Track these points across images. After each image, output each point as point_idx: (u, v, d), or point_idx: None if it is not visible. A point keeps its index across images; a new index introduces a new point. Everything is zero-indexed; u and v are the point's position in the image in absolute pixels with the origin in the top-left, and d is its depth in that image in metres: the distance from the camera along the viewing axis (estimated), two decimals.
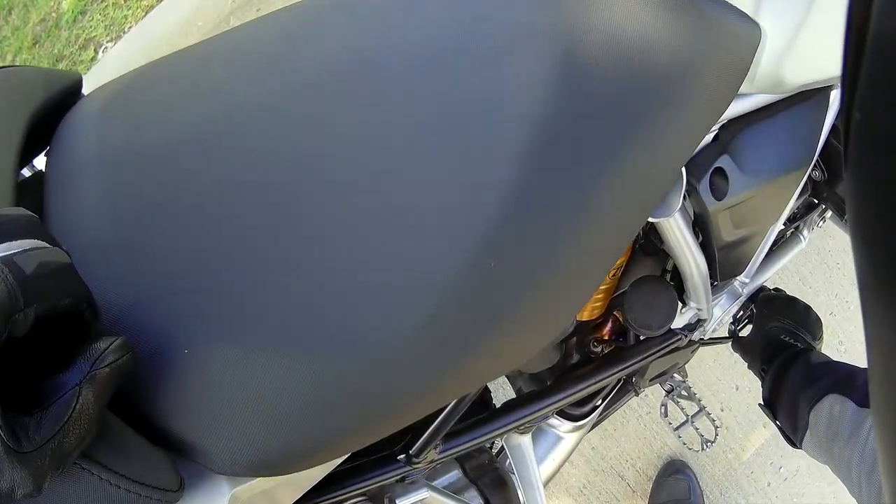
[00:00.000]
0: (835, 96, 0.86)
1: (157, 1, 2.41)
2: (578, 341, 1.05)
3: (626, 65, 0.57)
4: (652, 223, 0.78)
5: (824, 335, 1.83)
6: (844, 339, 1.84)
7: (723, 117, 0.74)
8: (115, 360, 0.38)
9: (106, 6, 2.48)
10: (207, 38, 0.68)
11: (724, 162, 0.75)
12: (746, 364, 1.26)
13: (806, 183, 1.06)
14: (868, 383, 0.35)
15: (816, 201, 1.21)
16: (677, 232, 0.76)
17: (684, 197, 0.75)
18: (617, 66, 0.57)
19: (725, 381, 1.76)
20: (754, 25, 0.62)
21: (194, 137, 0.56)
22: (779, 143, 0.82)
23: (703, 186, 0.74)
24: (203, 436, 0.44)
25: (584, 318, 0.92)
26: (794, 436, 1.00)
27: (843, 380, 0.96)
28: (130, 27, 2.39)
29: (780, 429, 1.07)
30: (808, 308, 1.24)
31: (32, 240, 0.38)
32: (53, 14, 2.57)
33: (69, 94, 0.65)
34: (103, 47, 2.41)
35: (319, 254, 0.49)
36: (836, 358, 1.80)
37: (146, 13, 2.40)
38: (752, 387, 1.74)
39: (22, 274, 0.35)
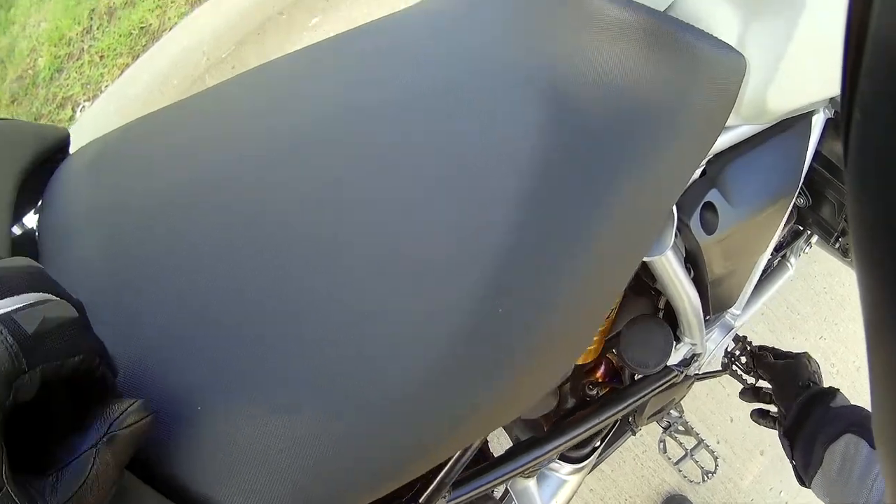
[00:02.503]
0: (816, 120, 0.87)
1: (133, 59, 2.42)
2: (573, 386, 1.03)
3: (616, 105, 0.57)
4: (644, 262, 0.77)
5: (816, 358, 1.83)
6: (836, 361, 1.85)
7: (711, 151, 0.73)
8: (134, 421, 0.36)
9: (82, 64, 2.48)
10: (193, 95, 0.67)
11: (713, 196, 0.75)
12: (756, 417, 1.23)
13: (791, 210, 1.06)
14: (870, 386, 0.35)
15: (802, 227, 1.21)
16: (670, 269, 0.75)
17: (676, 234, 0.75)
18: (607, 106, 0.57)
19: (719, 413, 1.74)
20: (739, 57, 0.61)
21: (185, 194, 0.54)
22: (765, 174, 0.81)
23: (694, 222, 0.74)
24: (220, 492, 0.43)
25: (580, 362, 0.91)
26: (804, 473, 0.98)
27: (862, 421, 0.94)
28: (107, 86, 2.39)
29: (793, 465, 1.05)
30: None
31: (36, 293, 0.35)
32: (30, 71, 2.57)
33: (58, 150, 0.63)
34: (81, 106, 2.40)
35: (322, 307, 0.47)
36: (829, 380, 1.81)
37: (122, 71, 2.40)
38: (746, 417, 1.73)
39: (23, 333, 0.33)
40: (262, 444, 0.44)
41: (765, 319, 1.83)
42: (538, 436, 0.83)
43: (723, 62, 0.61)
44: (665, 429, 1.24)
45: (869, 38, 0.30)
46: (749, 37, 0.64)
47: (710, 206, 0.75)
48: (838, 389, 1.04)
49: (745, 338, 1.24)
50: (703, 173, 0.76)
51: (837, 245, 1.15)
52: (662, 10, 0.62)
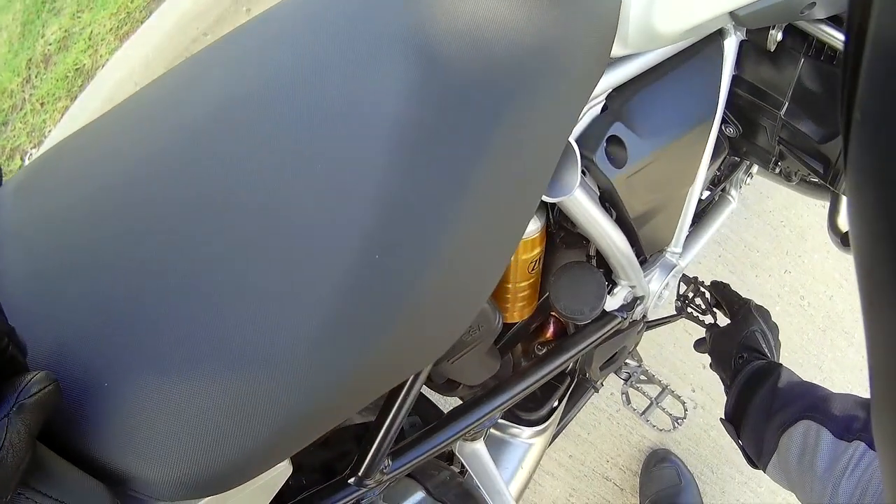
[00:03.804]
0: (729, 44, 0.85)
1: (71, 101, 2.46)
2: (524, 349, 1.01)
3: (490, 51, 0.57)
4: (563, 212, 0.76)
5: (784, 293, 1.82)
6: (805, 293, 1.84)
7: (607, 85, 0.71)
8: (39, 390, 0.40)
9: (25, 113, 2.53)
10: (100, 115, 0.70)
11: (617, 129, 0.73)
12: (711, 366, 1.19)
13: (721, 141, 1.04)
14: (869, 379, 0.35)
15: (738, 158, 1.20)
16: (584, 209, 0.73)
17: (583, 173, 0.73)
18: (481, 54, 0.57)
19: (690, 362, 1.73)
20: None
21: (93, 200, 0.58)
22: (675, 102, 0.80)
23: (600, 157, 0.72)
24: (138, 465, 0.45)
25: (516, 320, 0.89)
26: (757, 459, 0.94)
27: (818, 405, 0.89)
28: (50, 131, 2.43)
29: (741, 448, 1.01)
30: (774, 323, 1.20)
31: None
32: None
33: None
34: (28, 154, 2.45)
35: (219, 277, 0.50)
36: (801, 313, 1.81)
37: (62, 114, 2.45)
38: None
39: None
40: (173, 412, 0.46)
41: (723, 261, 1.82)
42: (475, 397, 0.82)
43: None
44: (625, 380, 1.22)
45: (869, 38, 0.30)
46: None
47: (616, 141, 0.73)
48: (781, 365, 1.00)
49: (696, 278, 1.23)
50: (606, 109, 0.74)
51: (778, 170, 1.14)
52: None
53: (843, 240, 1.11)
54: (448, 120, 0.54)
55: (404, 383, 0.67)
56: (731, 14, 0.75)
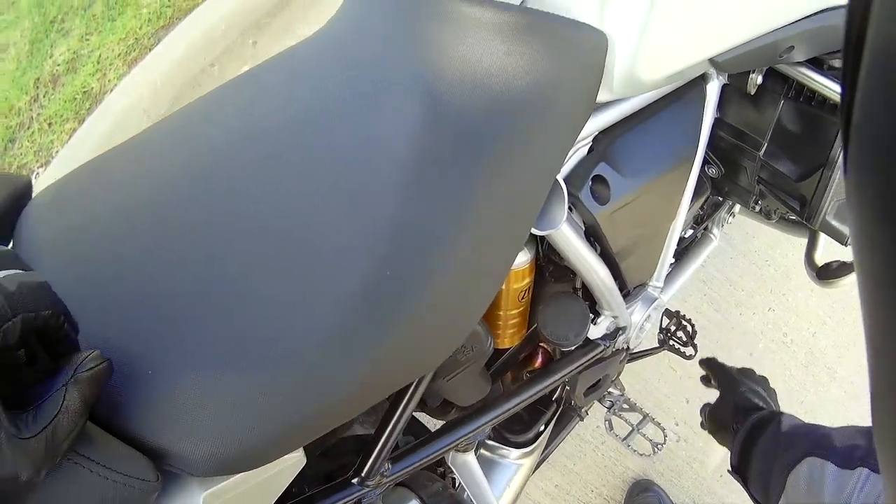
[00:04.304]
0: (711, 88, 0.91)
1: (79, 123, 2.48)
2: (513, 377, 1.06)
3: (487, 96, 0.64)
4: (551, 245, 0.81)
5: (768, 331, 1.87)
6: (788, 331, 1.89)
7: (593, 128, 0.77)
8: (94, 366, 0.45)
9: (32, 132, 2.54)
10: (125, 141, 0.77)
11: (602, 169, 0.78)
12: (716, 439, 1.21)
13: (704, 181, 1.10)
14: (869, 378, 0.35)
15: (721, 198, 1.26)
16: (569, 243, 0.78)
17: (570, 209, 0.78)
18: (479, 97, 0.63)
19: (674, 396, 1.78)
20: (599, 34, 0.66)
21: (129, 214, 0.65)
22: (656, 144, 0.86)
23: (585, 195, 0.78)
24: (175, 442, 0.51)
25: (506, 345, 0.94)
26: (765, 502, 0.97)
27: (821, 442, 0.91)
28: (58, 151, 2.46)
29: (750, 495, 1.03)
30: (761, 376, 1.24)
31: (11, 270, 0.46)
32: None
33: (22, 196, 0.73)
34: (35, 173, 2.47)
35: (247, 286, 0.58)
36: (784, 350, 1.85)
37: (70, 136, 2.48)
38: (701, 397, 1.77)
39: (6, 291, 0.42)
40: (200, 394, 0.52)
41: (708, 300, 1.88)
42: (465, 415, 0.87)
43: (584, 42, 0.66)
44: (609, 408, 1.27)
45: (869, 38, 0.30)
46: (609, 14, 0.68)
47: (601, 179, 0.79)
48: (782, 413, 1.03)
49: (678, 312, 1.28)
50: (592, 150, 0.80)
51: (758, 209, 1.20)
52: (518, 2, 0.66)
53: (818, 273, 1.16)
54: (451, 156, 0.61)
55: (404, 393, 0.73)
56: (711, 60, 0.81)
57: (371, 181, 0.60)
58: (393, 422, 0.74)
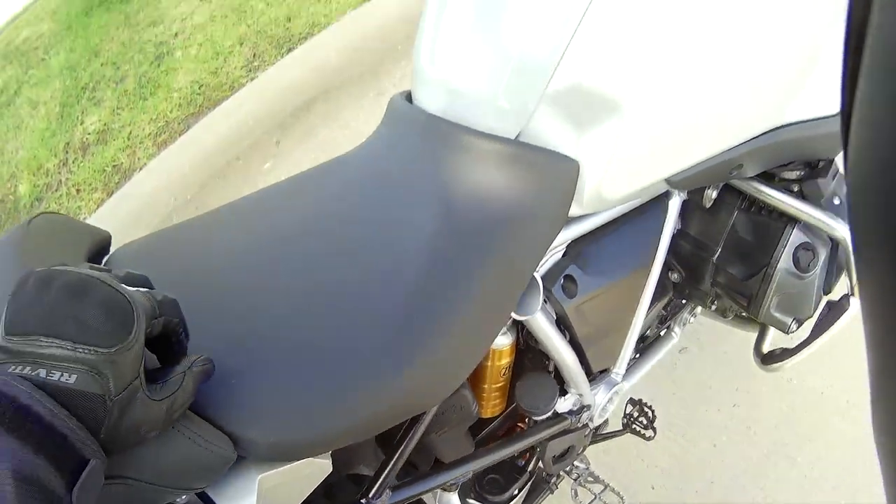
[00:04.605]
0: (672, 204, 1.09)
1: (107, 194, 2.60)
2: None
3: (483, 206, 0.84)
4: (529, 331, 0.99)
5: (731, 424, 1.98)
6: (751, 424, 2.01)
7: (567, 237, 0.96)
8: (203, 365, 0.63)
9: (60, 195, 2.63)
10: (201, 215, 0.99)
11: (572, 270, 0.97)
12: None
13: (667, 285, 1.29)
14: (869, 379, 0.35)
15: (683, 300, 1.44)
16: (543, 329, 0.96)
17: (545, 301, 0.97)
18: (478, 208, 0.84)
19: (639, 482, 1.91)
20: (573, 162, 0.85)
21: (216, 272, 0.86)
22: (619, 252, 1.04)
23: (557, 290, 0.96)
24: (244, 429, 0.67)
25: (489, 415, 1.11)
26: None
27: None
28: (84, 218, 2.54)
29: None
30: None
31: (146, 289, 0.62)
32: (11, 196, 2.72)
33: (102, 249, 0.91)
34: None
35: (309, 325, 0.77)
36: (746, 440, 1.96)
37: (98, 206, 2.59)
38: (665, 484, 1.90)
39: (155, 299, 0.59)
40: (271, 396, 0.71)
41: (677, 399, 2.02)
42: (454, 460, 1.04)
43: (560, 168, 0.85)
44: (575, 479, 1.43)
45: (869, 38, 0.30)
46: (582, 146, 0.86)
47: (571, 278, 0.97)
48: None
49: (640, 400, 1.45)
50: (566, 254, 0.99)
51: (714, 307, 1.38)
52: (514, 137, 0.86)
53: (763, 360, 1.34)
54: (454, 254, 0.80)
55: (406, 434, 0.91)
56: (667, 180, 0.98)
57: (395, 268, 0.80)
58: (402, 448, 0.90)
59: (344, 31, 2.68)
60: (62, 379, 0.51)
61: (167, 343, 0.64)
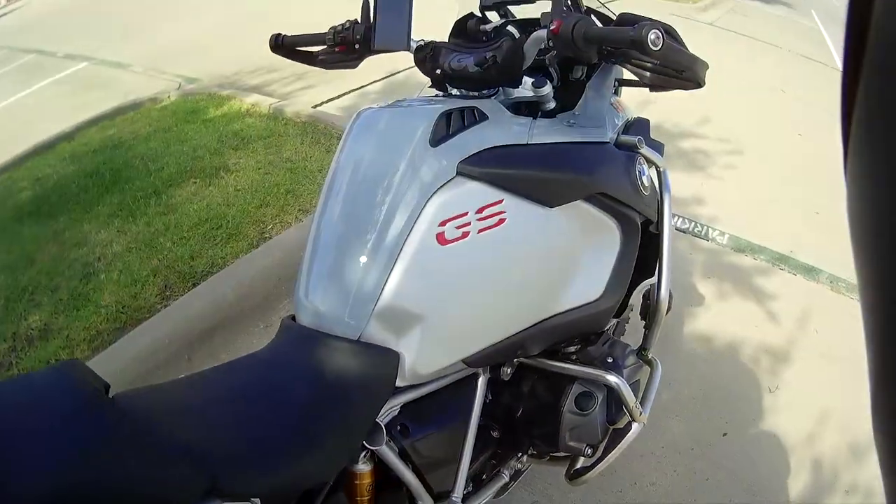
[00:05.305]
0: (481, 382, 1.62)
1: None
2: None
3: (335, 380, 1.31)
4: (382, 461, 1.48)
5: None
6: None
7: (401, 400, 1.46)
8: None
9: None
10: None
11: (405, 420, 1.48)
12: None
13: (489, 439, 1.80)
14: (869, 379, 0.36)
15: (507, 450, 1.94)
16: (390, 457, 1.45)
17: (388, 439, 1.47)
18: (332, 382, 1.31)
19: None
20: (394, 353, 1.37)
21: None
22: (439, 412, 1.56)
23: (396, 433, 1.47)
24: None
25: None
26: None
27: None
28: None
29: None
30: None
31: None
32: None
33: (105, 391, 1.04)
34: None
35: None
36: None
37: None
38: None
39: None
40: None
41: None
42: None
43: (385, 357, 1.36)
44: None
45: (869, 38, 0.31)
46: (400, 341, 1.34)
47: (405, 426, 1.48)
48: None
49: None
50: (401, 411, 1.51)
51: (532, 453, 1.88)
52: (356, 338, 1.37)
53: (570, 477, 1.83)
54: (317, 408, 1.28)
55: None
56: (462, 360, 1.41)
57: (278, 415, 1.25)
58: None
59: (237, 272, 3.35)
60: None
61: None
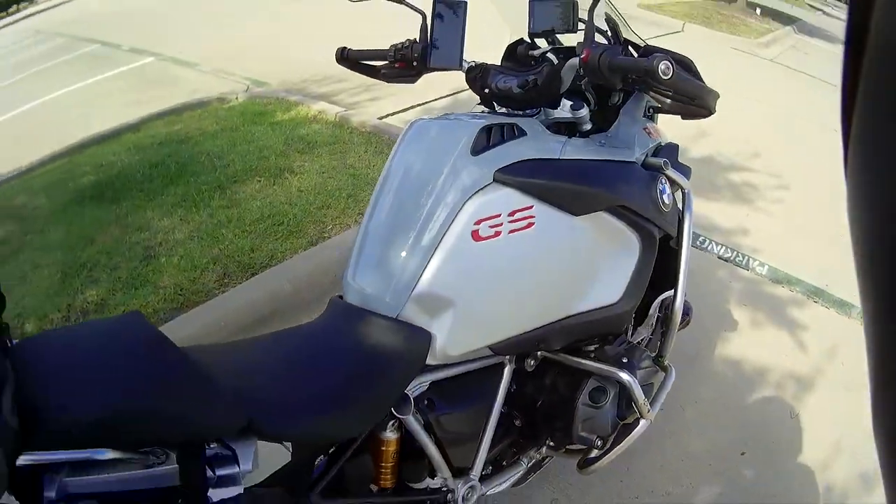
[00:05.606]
0: (506, 371, 1.77)
1: None
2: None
3: (373, 353, 1.51)
4: (408, 431, 1.66)
5: None
6: None
7: (430, 378, 1.63)
8: None
9: None
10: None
11: (431, 395, 1.65)
12: None
13: (511, 427, 1.95)
14: (869, 378, 0.36)
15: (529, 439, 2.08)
16: (415, 428, 1.61)
17: (415, 411, 1.64)
18: (370, 355, 1.51)
19: None
20: (427, 333, 1.54)
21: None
22: (464, 393, 1.73)
23: (422, 406, 1.63)
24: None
25: (383, 486, 1.71)
26: None
27: None
28: None
29: None
30: None
31: None
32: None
33: None
34: None
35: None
36: None
37: None
38: None
39: None
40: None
41: None
42: None
43: (418, 337, 1.54)
44: None
45: (869, 38, 0.31)
46: (433, 322, 1.54)
47: (431, 400, 1.65)
48: None
49: None
50: (430, 388, 1.69)
51: (550, 444, 2.01)
52: (395, 317, 1.57)
53: (579, 465, 1.96)
54: (357, 376, 1.48)
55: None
56: (489, 346, 1.57)
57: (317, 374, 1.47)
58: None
59: (295, 266, 3.49)
60: None
61: None
